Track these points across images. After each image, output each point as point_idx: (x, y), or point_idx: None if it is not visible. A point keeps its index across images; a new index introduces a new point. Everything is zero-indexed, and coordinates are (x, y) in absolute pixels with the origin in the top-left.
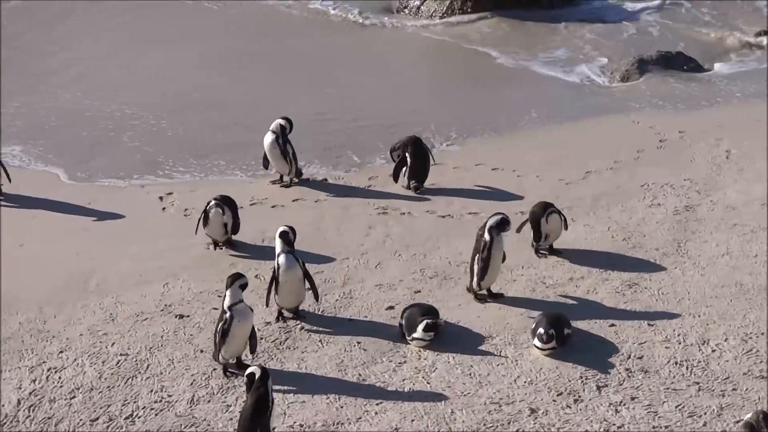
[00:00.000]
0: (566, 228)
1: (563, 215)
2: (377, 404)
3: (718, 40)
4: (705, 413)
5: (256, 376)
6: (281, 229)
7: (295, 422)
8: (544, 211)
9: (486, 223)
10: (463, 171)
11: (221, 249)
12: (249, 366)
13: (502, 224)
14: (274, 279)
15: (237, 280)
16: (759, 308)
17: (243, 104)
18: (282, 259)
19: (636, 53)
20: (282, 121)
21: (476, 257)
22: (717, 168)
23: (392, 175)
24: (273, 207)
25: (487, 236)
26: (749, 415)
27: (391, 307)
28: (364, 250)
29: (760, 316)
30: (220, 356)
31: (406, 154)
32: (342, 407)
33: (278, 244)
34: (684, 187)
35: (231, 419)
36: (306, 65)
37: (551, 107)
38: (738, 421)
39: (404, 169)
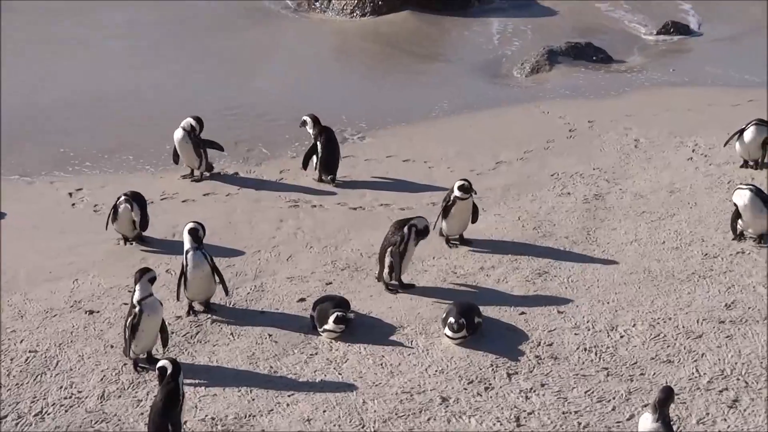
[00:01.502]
0: (474, 221)
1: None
2: (289, 396)
3: (626, 32)
4: (614, 398)
5: (167, 371)
6: (189, 225)
7: (206, 415)
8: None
9: (410, 221)
10: (375, 163)
11: (131, 244)
12: (160, 360)
13: (424, 232)
14: (183, 275)
15: (145, 274)
16: (666, 294)
17: (153, 99)
18: (190, 256)
19: (546, 45)
20: (193, 122)
21: (389, 250)
22: (626, 157)
23: (302, 163)
24: (184, 201)
25: (406, 231)
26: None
27: (303, 299)
28: (276, 243)
29: (667, 301)
30: (131, 351)
31: (317, 143)
32: (253, 399)
33: (186, 241)
34: (593, 176)
35: (142, 414)
36: (216, 59)
37: (462, 99)
38: (645, 405)
39: (314, 158)
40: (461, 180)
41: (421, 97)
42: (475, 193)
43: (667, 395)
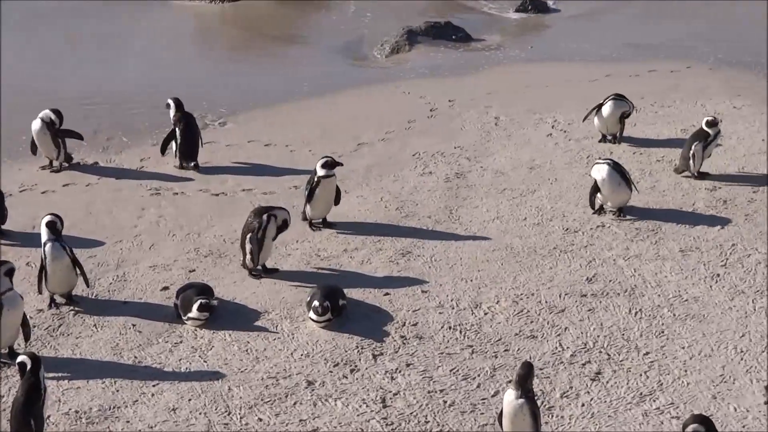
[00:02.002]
0: (337, 203)
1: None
2: (154, 386)
3: (485, 11)
4: (479, 375)
5: (27, 366)
6: (47, 218)
7: (70, 409)
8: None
9: (271, 210)
10: (236, 148)
11: None
12: (20, 355)
13: (284, 226)
14: (43, 267)
15: (1, 267)
16: (528, 270)
17: (8, 89)
18: (48, 248)
19: (406, 26)
20: (52, 115)
21: (248, 236)
22: (486, 135)
23: (160, 149)
24: (43, 193)
25: (265, 218)
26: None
27: (166, 288)
28: (138, 232)
29: (529, 277)
30: None
31: (176, 129)
32: (118, 390)
33: (44, 233)
34: (454, 155)
35: (4, 410)
36: (74, 46)
37: (323, 81)
38: (510, 381)
39: (173, 144)
40: (324, 157)
41: (281, 81)
42: (341, 165)
43: (527, 371)
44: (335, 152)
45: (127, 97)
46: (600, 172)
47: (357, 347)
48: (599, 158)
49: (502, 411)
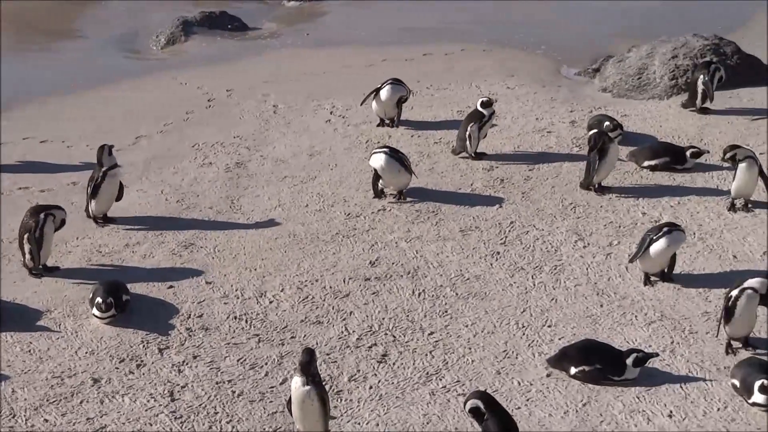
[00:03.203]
0: (119, 198)
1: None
2: None
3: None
4: (266, 363)
5: None
6: None
7: None
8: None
9: (49, 209)
10: (11, 146)
11: None
12: None
13: (61, 225)
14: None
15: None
16: (312, 256)
17: None
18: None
19: (180, 16)
20: None
21: (26, 236)
22: (265, 123)
23: None
24: None
25: (42, 217)
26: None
27: None
28: None
29: (313, 263)
30: None
31: None
32: None
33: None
34: (234, 145)
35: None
36: None
37: (98, 75)
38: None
39: None
40: (102, 147)
41: (55, 76)
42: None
43: (308, 357)
44: (113, 146)
45: None
46: (378, 160)
47: (142, 342)
48: (376, 147)
49: (290, 398)
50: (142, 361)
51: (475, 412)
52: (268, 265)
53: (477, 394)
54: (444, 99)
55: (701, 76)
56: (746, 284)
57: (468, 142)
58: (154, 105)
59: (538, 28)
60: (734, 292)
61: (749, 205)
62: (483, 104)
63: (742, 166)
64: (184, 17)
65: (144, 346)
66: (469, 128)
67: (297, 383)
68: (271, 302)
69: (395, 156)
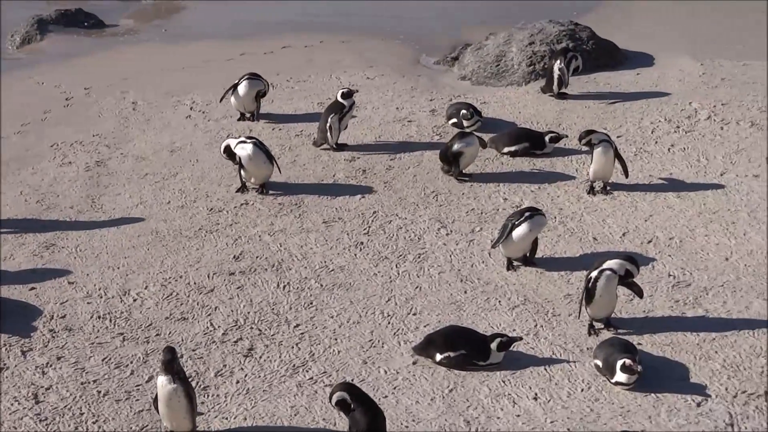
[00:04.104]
0: None
1: None
2: None
3: None
4: (131, 362)
5: None
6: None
7: None
8: None
9: None
10: None
11: None
12: None
13: None
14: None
15: None
16: (175, 253)
17: None
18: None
19: (35, 14)
20: None
21: None
22: (125, 121)
23: None
24: None
25: None
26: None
27: None
28: None
29: (177, 260)
30: None
31: None
32: None
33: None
34: (93, 143)
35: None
36: None
37: None
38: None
39: None
40: None
41: None
42: None
43: (169, 355)
44: None
45: None
46: (244, 150)
47: (5, 345)
48: (241, 138)
49: (156, 396)
50: (4, 364)
51: (341, 404)
52: (131, 263)
53: (342, 386)
54: (304, 91)
55: (557, 62)
56: (605, 265)
57: (329, 134)
58: (10, 105)
59: (397, 19)
60: (594, 274)
61: (608, 188)
62: (343, 95)
63: (598, 149)
64: (39, 15)
65: (6, 349)
66: (329, 120)
67: (162, 381)
68: (135, 300)
69: (263, 147)
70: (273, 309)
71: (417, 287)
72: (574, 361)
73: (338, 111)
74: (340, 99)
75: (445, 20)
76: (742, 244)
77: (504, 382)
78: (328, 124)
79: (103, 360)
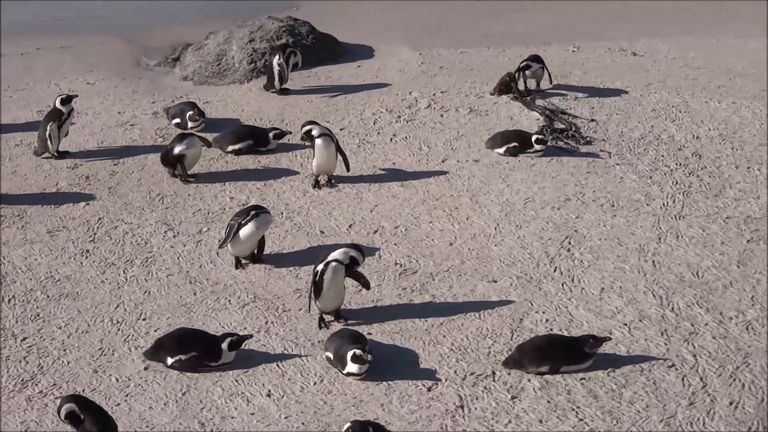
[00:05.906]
0: None
1: None
2: None
3: None
4: None
5: None
6: None
7: None
8: None
9: None
10: None
11: None
12: None
13: None
14: None
15: None
16: None
17: None
18: None
19: None
20: None
21: None
22: None
23: None
24: None
25: None
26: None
27: None
28: None
29: None
30: None
31: None
32: None
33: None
34: None
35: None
36: None
37: None
38: None
39: None
40: None
41: None
42: None
43: None
44: None
45: None
46: None
47: None
48: None
49: None
50: None
51: (71, 417)
52: None
53: (70, 398)
54: (22, 100)
55: (276, 58)
56: (330, 257)
57: (49, 142)
58: None
59: (111, 21)
60: (320, 267)
61: (332, 181)
62: (62, 101)
63: (318, 143)
64: None
65: None
66: (48, 127)
67: None
68: None
69: None
70: None
71: (146, 292)
72: (306, 356)
73: (57, 118)
74: (58, 106)
75: (165, 21)
76: (466, 228)
77: (237, 381)
78: (47, 132)
79: None
